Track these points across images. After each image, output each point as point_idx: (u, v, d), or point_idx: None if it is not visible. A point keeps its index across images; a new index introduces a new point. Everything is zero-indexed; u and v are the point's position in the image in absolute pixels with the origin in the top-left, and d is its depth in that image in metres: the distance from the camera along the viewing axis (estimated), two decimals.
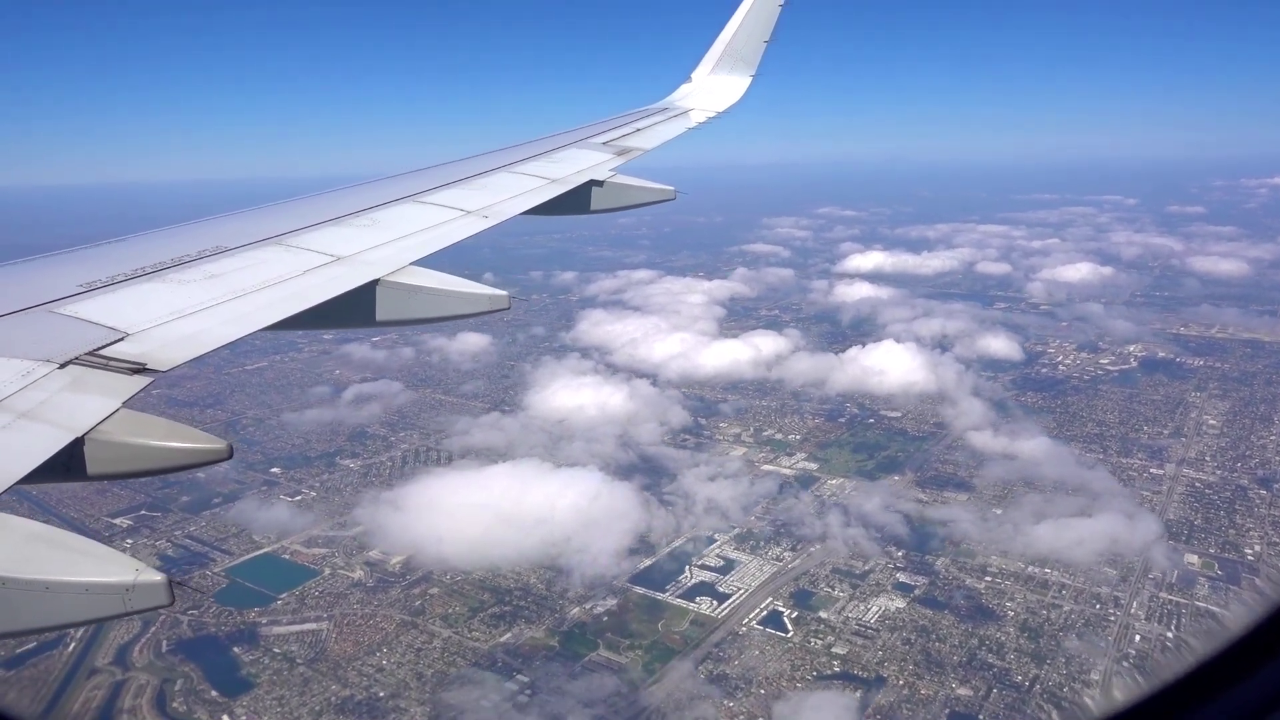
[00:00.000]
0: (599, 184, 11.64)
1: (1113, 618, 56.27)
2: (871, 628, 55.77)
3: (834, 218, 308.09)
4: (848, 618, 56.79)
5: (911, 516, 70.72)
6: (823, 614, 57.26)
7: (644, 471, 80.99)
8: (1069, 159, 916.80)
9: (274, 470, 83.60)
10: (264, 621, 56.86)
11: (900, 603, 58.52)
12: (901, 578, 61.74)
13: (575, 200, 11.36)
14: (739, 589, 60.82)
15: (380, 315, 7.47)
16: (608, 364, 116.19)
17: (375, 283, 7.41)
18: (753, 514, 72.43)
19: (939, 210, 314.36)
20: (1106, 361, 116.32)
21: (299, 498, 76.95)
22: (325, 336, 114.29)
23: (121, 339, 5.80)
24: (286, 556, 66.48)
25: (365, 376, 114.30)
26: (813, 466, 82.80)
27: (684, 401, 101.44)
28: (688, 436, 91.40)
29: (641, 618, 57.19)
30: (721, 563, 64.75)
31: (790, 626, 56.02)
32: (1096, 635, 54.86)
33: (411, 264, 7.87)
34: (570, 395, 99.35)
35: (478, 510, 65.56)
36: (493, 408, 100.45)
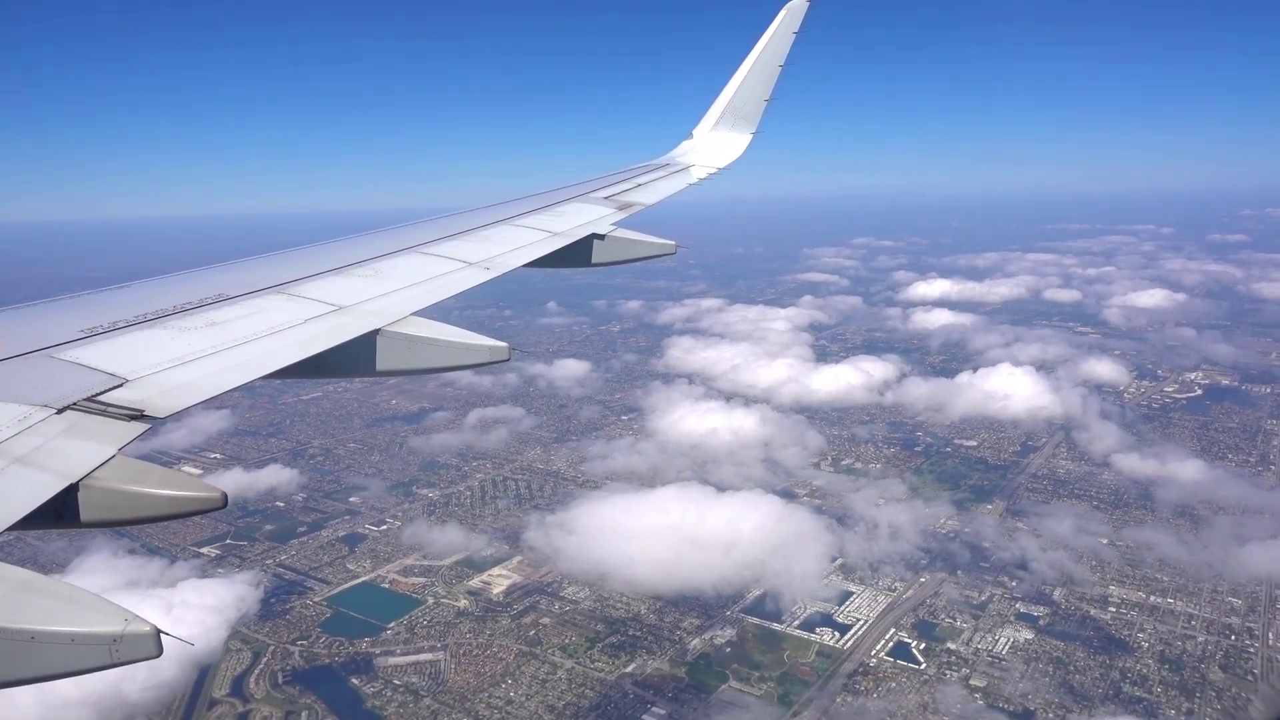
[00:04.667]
0: (600, 237, 11.63)
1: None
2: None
3: (874, 248, 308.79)
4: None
5: (1111, 540, 69.29)
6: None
7: (808, 495, 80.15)
8: (1081, 191, 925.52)
9: (353, 500, 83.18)
10: (377, 652, 55.56)
11: (1028, 633, 56.63)
12: (1020, 607, 59.84)
13: (577, 253, 11.36)
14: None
15: (380, 365, 7.48)
16: (714, 389, 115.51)
17: (376, 332, 7.44)
18: (935, 539, 70.65)
19: (977, 240, 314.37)
20: (1171, 389, 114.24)
21: (384, 526, 76.17)
22: None
23: (120, 385, 5.76)
24: (386, 585, 65.38)
25: (423, 407, 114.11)
26: (976, 485, 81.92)
27: (814, 426, 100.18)
28: (840, 460, 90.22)
29: (762, 649, 55.44)
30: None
31: (922, 658, 54.16)
32: None
33: (413, 314, 7.93)
34: (698, 420, 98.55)
35: (661, 533, 64.40)
36: (613, 434, 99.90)
